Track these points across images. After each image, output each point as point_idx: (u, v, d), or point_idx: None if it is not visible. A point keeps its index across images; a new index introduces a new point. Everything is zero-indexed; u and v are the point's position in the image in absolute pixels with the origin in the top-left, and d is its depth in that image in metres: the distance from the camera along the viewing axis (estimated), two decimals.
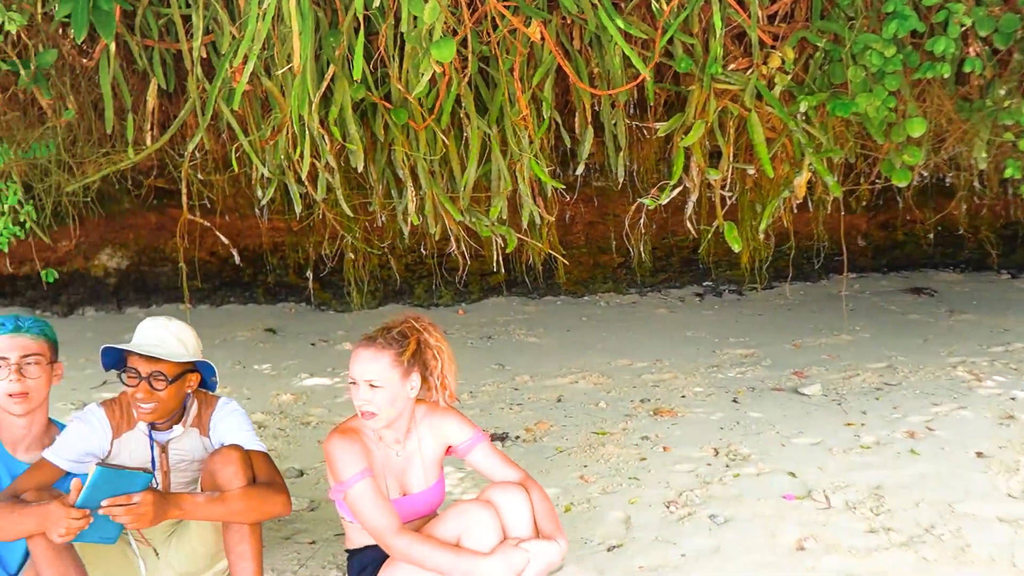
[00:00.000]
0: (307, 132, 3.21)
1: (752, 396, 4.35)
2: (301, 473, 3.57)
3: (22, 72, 3.63)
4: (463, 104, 3.54)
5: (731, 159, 3.92)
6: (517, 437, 3.93)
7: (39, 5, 3.39)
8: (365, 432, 2.32)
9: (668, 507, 3.03)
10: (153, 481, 2.01)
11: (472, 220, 3.80)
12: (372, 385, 2.20)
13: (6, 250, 3.47)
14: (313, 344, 5.89)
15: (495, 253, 3.98)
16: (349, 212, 3.67)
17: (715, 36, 3.42)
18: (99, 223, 6.79)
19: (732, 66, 3.74)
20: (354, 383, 2.23)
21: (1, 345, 2.22)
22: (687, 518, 2.94)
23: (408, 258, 6.28)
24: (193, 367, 2.37)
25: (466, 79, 3.41)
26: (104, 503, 1.95)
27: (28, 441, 2.33)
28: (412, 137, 3.65)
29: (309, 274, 5.50)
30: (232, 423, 2.43)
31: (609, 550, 2.75)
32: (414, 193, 3.58)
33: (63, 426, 2.43)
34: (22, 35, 3.65)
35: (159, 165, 5.91)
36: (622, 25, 3.30)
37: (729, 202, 4.16)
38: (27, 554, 2.21)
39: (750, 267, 5.59)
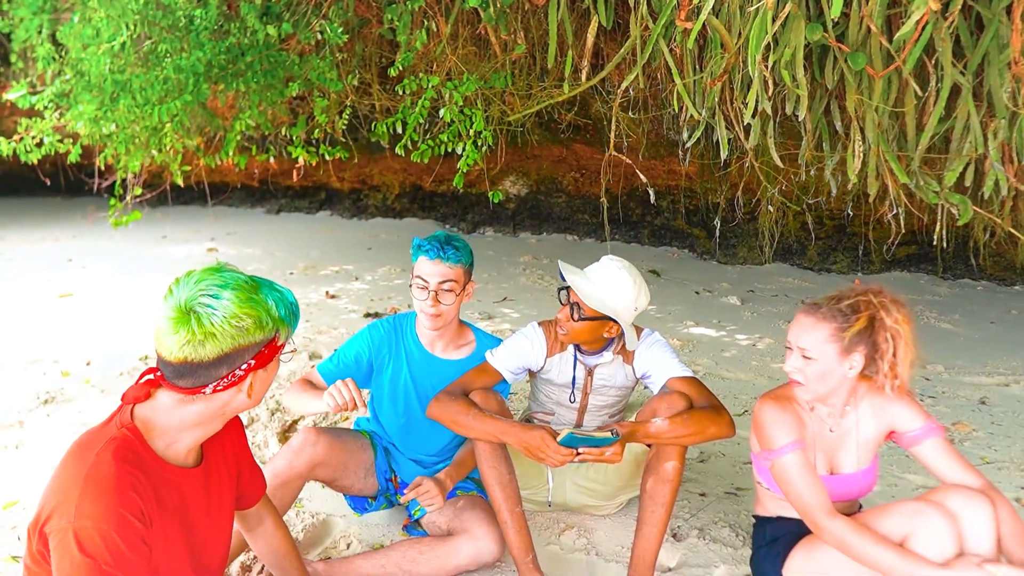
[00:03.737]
0: (758, 75, 3.04)
1: None
2: None
3: (490, 9, 3.98)
4: (938, 49, 3.07)
5: None
6: None
7: None
8: (799, 401, 2.18)
9: None
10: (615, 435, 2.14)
11: (920, 184, 3.34)
12: (804, 355, 2.04)
13: (465, 169, 3.88)
14: (697, 293, 5.84)
15: (940, 225, 3.46)
16: (779, 163, 3.45)
17: None
18: (507, 151, 7.40)
19: None
20: (789, 347, 2.10)
21: (424, 269, 2.47)
22: None
23: (806, 217, 5.86)
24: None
25: (949, 21, 2.94)
26: (581, 450, 2.12)
27: (443, 344, 2.60)
28: (865, 85, 3.28)
29: (717, 222, 5.40)
30: (657, 352, 2.48)
31: None
32: (859, 148, 3.23)
33: (473, 327, 2.69)
34: None
35: (573, 100, 6.19)
36: None
37: None
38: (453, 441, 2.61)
39: None
